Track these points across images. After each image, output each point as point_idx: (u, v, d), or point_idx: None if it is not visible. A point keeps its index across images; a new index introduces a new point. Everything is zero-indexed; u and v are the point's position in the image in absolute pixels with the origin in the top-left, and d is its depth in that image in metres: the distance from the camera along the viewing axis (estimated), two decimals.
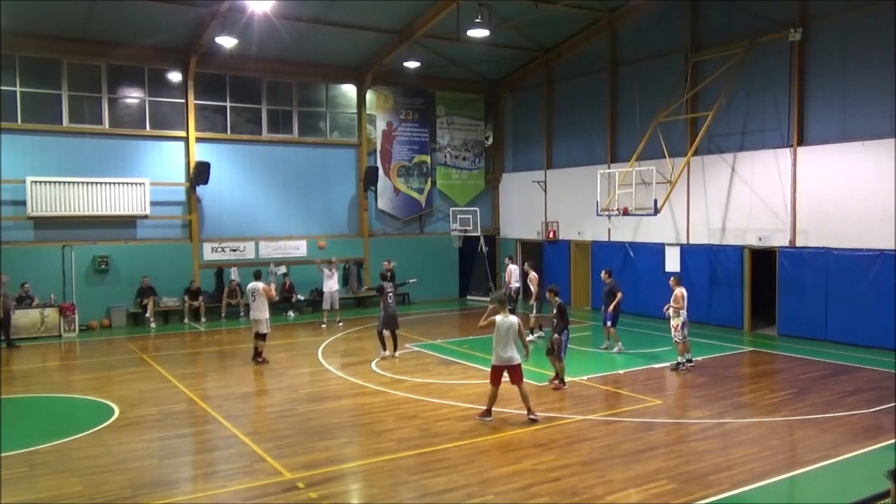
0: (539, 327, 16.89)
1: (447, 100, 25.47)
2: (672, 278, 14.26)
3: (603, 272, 15.77)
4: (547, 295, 13.13)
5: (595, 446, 9.23)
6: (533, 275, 17.31)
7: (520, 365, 10.23)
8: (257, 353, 14.70)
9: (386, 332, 14.77)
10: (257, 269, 15.74)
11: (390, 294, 14.73)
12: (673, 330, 13.71)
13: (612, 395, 11.85)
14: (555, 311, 12.43)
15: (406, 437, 9.67)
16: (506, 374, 10.21)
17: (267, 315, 14.53)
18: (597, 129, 22.30)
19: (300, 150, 22.84)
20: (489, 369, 13.67)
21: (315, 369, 14.18)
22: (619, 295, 15.05)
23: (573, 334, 17.20)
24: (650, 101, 19.86)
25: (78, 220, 19.43)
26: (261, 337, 14.58)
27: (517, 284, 18.98)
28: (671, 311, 13.71)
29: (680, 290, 13.72)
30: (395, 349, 15.00)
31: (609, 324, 15.14)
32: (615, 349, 15.14)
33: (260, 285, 14.62)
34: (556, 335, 12.18)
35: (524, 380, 10.37)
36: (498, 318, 10.18)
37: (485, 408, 10.37)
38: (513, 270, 19.07)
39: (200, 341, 18.18)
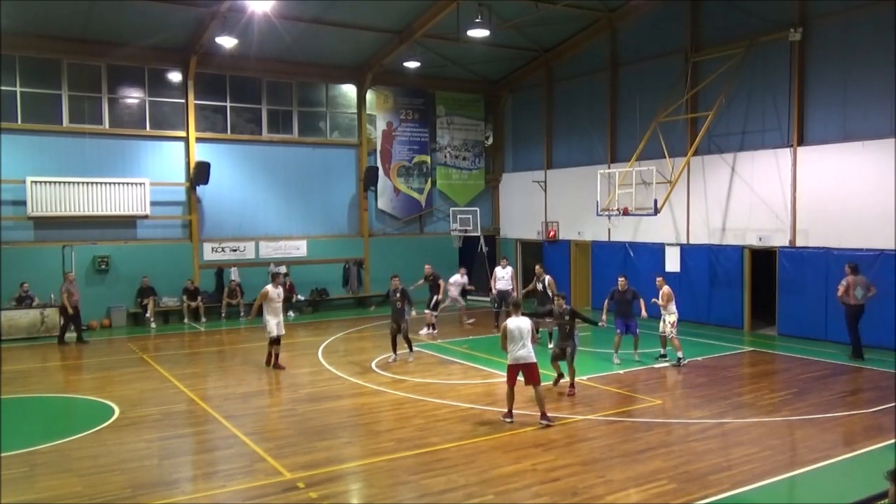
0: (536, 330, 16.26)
1: (447, 100, 25.48)
2: (658, 278, 14.75)
3: (622, 278, 14.56)
4: (556, 301, 12.59)
5: (595, 446, 9.23)
6: (550, 278, 16.46)
7: (535, 364, 10.17)
8: (275, 357, 14.22)
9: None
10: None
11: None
12: (669, 327, 14.07)
13: (611, 395, 11.84)
14: (567, 317, 12.03)
15: (406, 437, 9.67)
16: (521, 375, 10.20)
17: (267, 318, 13.90)
18: (597, 129, 22.30)
19: (300, 150, 22.84)
20: (489, 369, 13.77)
21: (315, 369, 14.19)
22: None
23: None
24: (650, 101, 19.86)
25: (78, 220, 19.44)
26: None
27: (503, 286, 17.86)
28: (662, 310, 14.21)
29: (666, 289, 14.23)
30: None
31: (638, 331, 14.39)
32: (637, 357, 14.45)
33: (266, 288, 14.16)
34: (568, 343, 11.93)
35: (540, 382, 10.25)
36: (509, 321, 10.23)
37: (506, 409, 10.34)
38: (497, 273, 18.16)
39: (200, 341, 18.19)
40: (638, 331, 14.38)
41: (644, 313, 14.33)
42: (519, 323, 10.16)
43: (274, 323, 13.93)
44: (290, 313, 21.45)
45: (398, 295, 14.51)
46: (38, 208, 18.82)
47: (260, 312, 14.38)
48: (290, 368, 14.27)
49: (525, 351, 10.12)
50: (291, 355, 15.30)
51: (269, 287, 14.09)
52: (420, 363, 14.52)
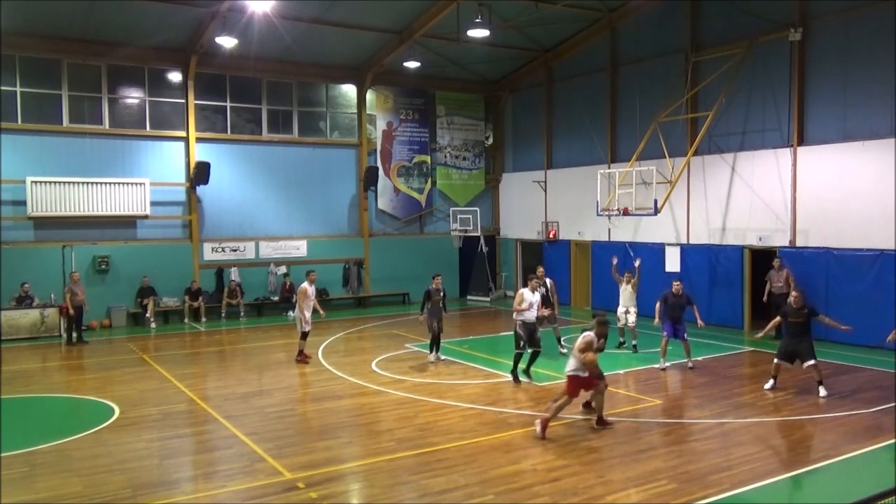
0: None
1: (447, 100, 25.47)
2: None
3: (677, 283, 14.02)
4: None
5: (595, 446, 9.22)
6: (551, 282, 15.45)
7: (569, 377, 9.83)
8: (298, 352, 14.80)
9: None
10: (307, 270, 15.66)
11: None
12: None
13: (612, 395, 11.82)
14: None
15: (406, 437, 9.67)
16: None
17: (300, 315, 14.52)
18: (597, 129, 22.29)
19: (300, 150, 22.84)
20: (489, 369, 13.78)
21: (315, 369, 14.19)
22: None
23: (575, 334, 17.26)
24: (650, 101, 19.86)
25: (78, 220, 19.44)
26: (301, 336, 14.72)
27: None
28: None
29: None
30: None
31: (687, 337, 13.80)
32: (691, 364, 13.86)
33: (302, 286, 14.73)
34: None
35: (571, 394, 9.78)
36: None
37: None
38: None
39: (200, 341, 18.19)
40: (686, 336, 13.77)
41: (700, 322, 13.93)
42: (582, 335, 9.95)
43: (310, 317, 14.63)
44: (290, 313, 21.43)
45: (441, 294, 14.57)
46: (38, 208, 18.82)
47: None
48: (291, 368, 14.30)
49: (566, 364, 10.03)
50: (292, 355, 15.27)
51: (306, 284, 14.68)
52: (420, 363, 14.52)
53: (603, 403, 9.98)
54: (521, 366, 12.69)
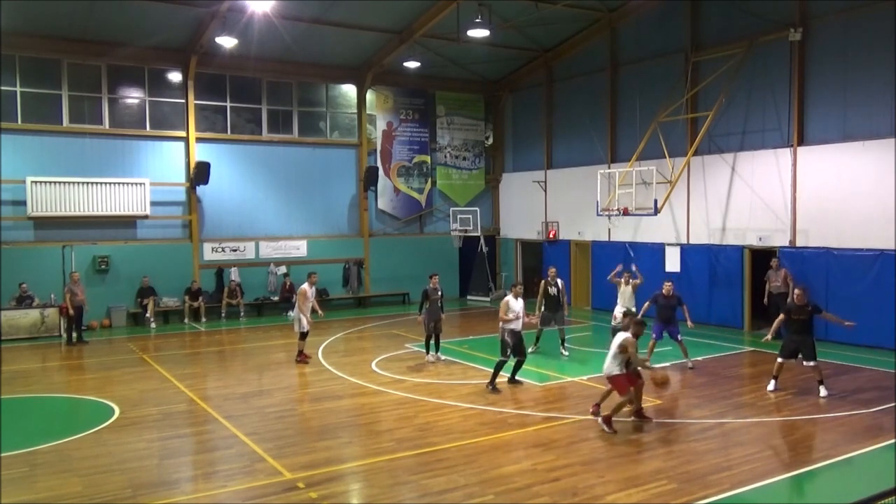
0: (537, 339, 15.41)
1: (447, 100, 25.47)
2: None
3: (668, 283, 14.01)
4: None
5: (595, 446, 9.22)
6: (562, 282, 15.32)
7: (613, 377, 10.00)
8: (298, 352, 14.84)
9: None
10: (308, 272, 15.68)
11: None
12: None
13: (612, 396, 11.81)
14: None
15: (406, 437, 9.67)
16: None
17: (299, 316, 14.57)
18: (597, 129, 22.29)
19: (300, 150, 22.84)
20: (489, 369, 13.76)
21: (315, 369, 14.19)
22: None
23: (576, 334, 17.30)
24: (650, 101, 19.85)
25: (78, 220, 19.44)
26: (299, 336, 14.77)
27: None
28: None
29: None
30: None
31: (680, 338, 13.71)
32: (691, 364, 13.81)
33: (302, 287, 14.76)
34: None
35: (622, 394, 9.91)
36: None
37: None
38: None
39: (200, 341, 18.19)
40: (681, 336, 13.69)
41: (689, 322, 13.85)
42: (619, 336, 10.14)
43: (309, 318, 14.66)
44: (290, 313, 21.41)
45: (439, 294, 14.63)
46: (38, 208, 18.82)
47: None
48: (291, 368, 14.31)
49: (605, 364, 10.16)
50: (292, 355, 15.28)
51: (306, 286, 14.68)
52: (420, 363, 14.52)
53: (616, 405, 9.96)
54: (506, 375, 12.46)
